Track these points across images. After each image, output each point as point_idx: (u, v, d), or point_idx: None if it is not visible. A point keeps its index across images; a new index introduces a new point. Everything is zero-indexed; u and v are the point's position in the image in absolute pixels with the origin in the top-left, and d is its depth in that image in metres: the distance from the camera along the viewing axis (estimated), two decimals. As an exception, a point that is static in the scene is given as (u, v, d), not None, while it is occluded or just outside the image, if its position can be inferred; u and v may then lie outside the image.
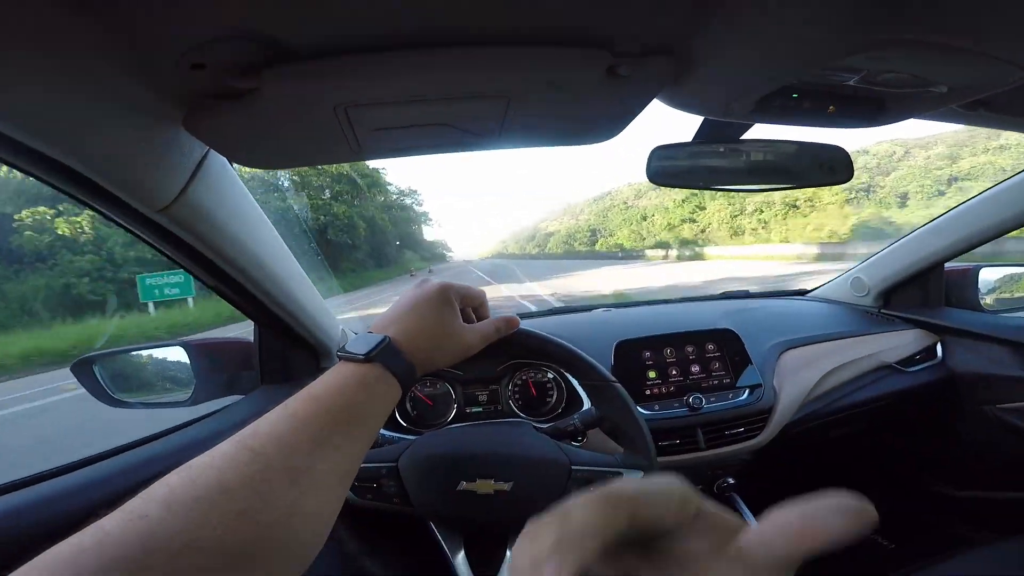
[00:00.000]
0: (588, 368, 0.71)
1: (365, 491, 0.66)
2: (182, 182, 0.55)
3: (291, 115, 0.48)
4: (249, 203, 0.71)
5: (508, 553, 0.67)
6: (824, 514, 0.20)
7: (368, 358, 0.43)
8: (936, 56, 0.42)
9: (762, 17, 0.41)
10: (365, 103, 0.48)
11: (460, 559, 0.67)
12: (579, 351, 0.71)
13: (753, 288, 1.60)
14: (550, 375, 1.05)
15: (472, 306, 0.57)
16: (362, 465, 0.63)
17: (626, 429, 0.70)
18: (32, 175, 0.48)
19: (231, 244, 0.67)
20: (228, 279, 0.73)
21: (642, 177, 0.71)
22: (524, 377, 1.05)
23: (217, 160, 0.61)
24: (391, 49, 0.42)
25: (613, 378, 0.71)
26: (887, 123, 0.60)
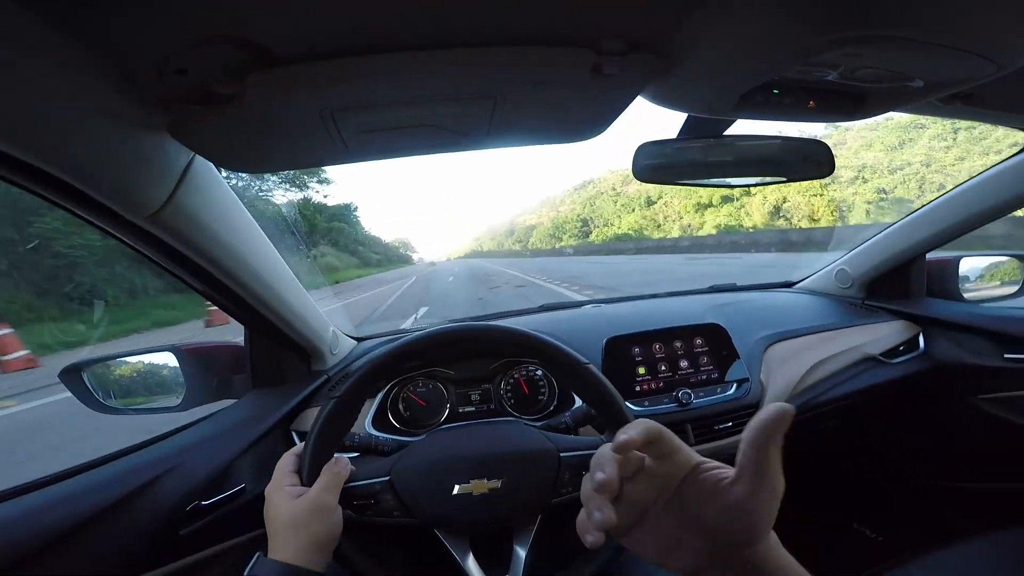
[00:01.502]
0: (557, 354, 0.70)
1: (364, 508, 0.65)
2: (169, 188, 0.55)
3: (277, 120, 0.48)
4: (237, 207, 0.70)
5: (516, 549, 0.68)
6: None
7: None
8: (911, 52, 0.43)
9: (741, 14, 0.42)
10: (351, 107, 0.48)
11: (471, 562, 0.67)
12: (545, 337, 0.71)
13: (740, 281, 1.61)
14: (539, 372, 1.05)
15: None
16: (357, 483, 0.64)
17: (606, 410, 0.70)
18: (15, 184, 0.47)
19: (220, 249, 0.67)
20: (218, 283, 0.73)
21: (625, 164, 0.71)
22: (516, 375, 1.06)
23: (204, 165, 0.60)
24: (375, 52, 0.43)
25: (584, 359, 0.70)
26: (867, 116, 0.61)
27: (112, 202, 0.52)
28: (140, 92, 0.43)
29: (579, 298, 1.83)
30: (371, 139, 0.56)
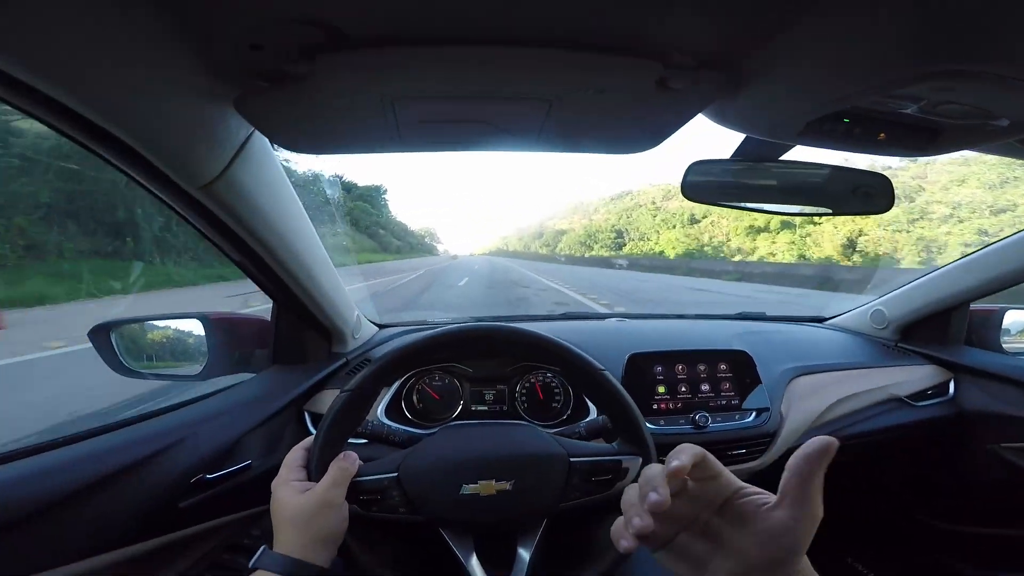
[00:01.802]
0: (579, 361, 0.69)
1: (370, 503, 0.65)
2: (224, 161, 0.56)
3: (339, 103, 0.49)
4: (286, 186, 0.71)
5: (520, 551, 0.67)
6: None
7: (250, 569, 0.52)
8: (1006, 89, 0.41)
9: (828, 40, 0.40)
10: (411, 95, 0.48)
11: (473, 562, 0.66)
12: (568, 344, 0.70)
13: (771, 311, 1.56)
14: (556, 379, 1.04)
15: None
16: (365, 478, 0.64)
17: (619, 418, 0.69)
18: (81, 144, 0.48)
19: (264, 225, 0.68)
20: (256, 257, 0.74)
21: (667, 178, 0.68)
22: (533, 380, 1.05)
23: (260, 142, 0.61)
24: (443, 43, 0.42)
25: (600, 366, 0.69)
26: (938, 153, 0.58)
27: (169, 169, 0.53)
28: (214, 64, 0.44)
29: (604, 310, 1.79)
30: (424, 130, 0.56)
